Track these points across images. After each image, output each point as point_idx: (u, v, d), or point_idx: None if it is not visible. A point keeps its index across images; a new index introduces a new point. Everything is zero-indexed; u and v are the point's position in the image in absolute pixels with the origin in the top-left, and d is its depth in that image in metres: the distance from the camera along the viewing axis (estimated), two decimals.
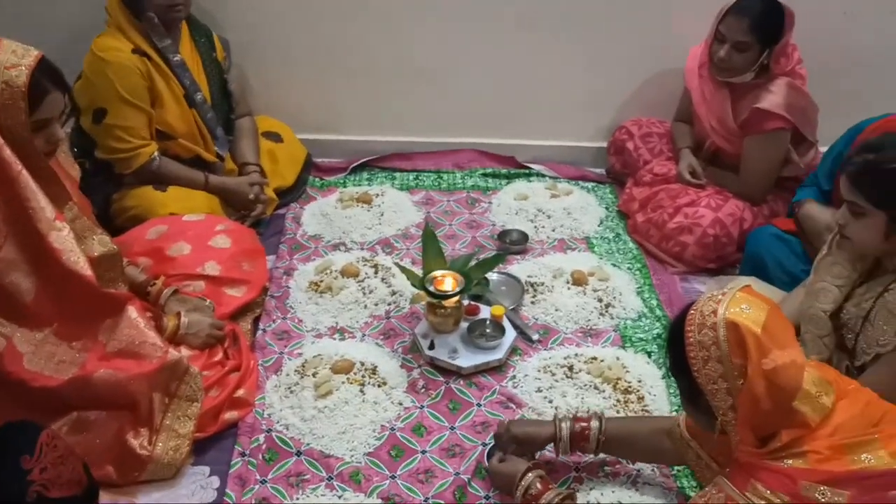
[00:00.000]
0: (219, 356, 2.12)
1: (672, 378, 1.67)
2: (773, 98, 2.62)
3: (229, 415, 2.04)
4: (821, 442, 1.36)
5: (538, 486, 1.70)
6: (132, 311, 1.87)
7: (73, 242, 1.75)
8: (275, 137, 3.06)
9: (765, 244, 2.46)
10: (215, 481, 1.91)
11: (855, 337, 1.84)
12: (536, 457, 1.90)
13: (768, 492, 1.34)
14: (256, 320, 2.41)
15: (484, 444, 2.01)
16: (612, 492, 1.86)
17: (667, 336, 1.52)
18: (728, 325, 1.37)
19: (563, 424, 1.84)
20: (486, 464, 1.93)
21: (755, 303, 1.41)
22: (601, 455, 1.92)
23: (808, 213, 2.35)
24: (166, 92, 2.56)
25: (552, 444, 1.87)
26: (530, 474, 1.72)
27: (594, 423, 1.83)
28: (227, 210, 2.74)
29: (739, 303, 1.40)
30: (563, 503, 1.67)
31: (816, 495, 1.31)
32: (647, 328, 2.42)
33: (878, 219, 1.70)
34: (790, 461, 1.36)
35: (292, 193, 3.05)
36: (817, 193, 2.42)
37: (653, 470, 1.93)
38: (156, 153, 2.57)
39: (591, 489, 1.88)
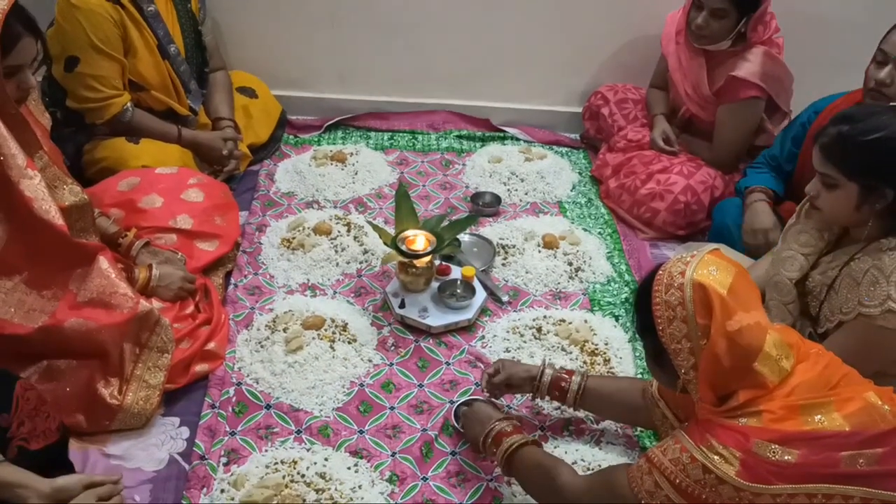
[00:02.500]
0: (190, 309, 2.13)
1: (638, 340, 1.70)
2: (749, 66, 2.64)
3: (200, 367, 2.05)
4: (776, 402, 1.39)
5: (507, 429, 1.73)
6: (103, 262, 1.86)
7: (44, 191, 1.73)
8: (249, 93, 3.03)
9: (731, 215, 2.50)
10: (185, 432, 1.93)
11: (819, 304, 1.87)
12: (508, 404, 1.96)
13: (721, 446, 1.37)
14: (228, 275, 2.42)
15: (451, 402, 2.05)
16: (576, 450, 1.91)
17: (635, 295, 1.54)
18: (695, 286, 1.39)
19: (547, 370, 1.90)
20: (454, 421, 1.96)
21: (723, 266, 1.43)
22: (572, 413, 1.99)
23: (755, 210, 2.40)
24: (139, 41, 2.51)
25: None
26: (503, 421, 1.76)
27: (575, 378, 1.88)
28: (200, 165, 2.72)
29: (707, 265, 1.42)
30: (527, 445, 1.70)
31: (768, 453, 1.35)
32: (615, 292, 2.46)
33: (850, 190, 1.72)
34: (745, 419, 1.39)
35: (266, 150, 3.03)
36: (770, 179, 2.46)
37: (616, 429, 1.98)
38: (129, 104, 2.53)
39: (555, 447, 1.92)
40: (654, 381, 1.79)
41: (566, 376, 1.89)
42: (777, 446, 1.35)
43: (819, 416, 1.38)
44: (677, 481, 1.40)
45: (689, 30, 2.71)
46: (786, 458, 1.35)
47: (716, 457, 1.37)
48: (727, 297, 1.38)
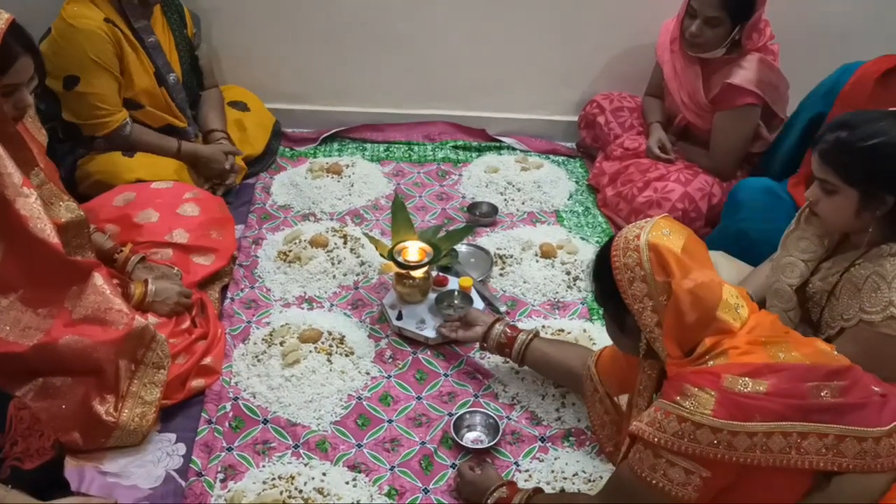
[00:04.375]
0: (186, 324, 2.12)
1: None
2: (745, 74, 2.64)
3: (196, 382, 2.04)
4: (739, 338, 1.44)
5: (506, 491, 1.72)
6: (98, 278, 1.86)
7: (40, 209, 1.73)
8: (241, 107, 3.03)
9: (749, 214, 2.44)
10: (181, 448, 1.92)
11: (820, 311, 1.86)
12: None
13: (696, 388, 1.37)
14: (224, 289, 2.41)
15: (450, 415, 2.03)
16: (577, 461, 1.90)
17: (593, 264, 1.59)
18: (650, 247, 1.45)
19: (498, 326, 2.06)
20: (453, 434, 1.95)
21: (675, 228, 1.50)
22: (573, 423, 1.99)
23: None
24: (136, 65, 2.52)
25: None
26: (498, 489, 1.74)
27: (521, 337, 2.02)
28: (196, 179, 2.71)
29: (660, 227, 1.49)
30: (531, 500, 1.69)
31: (739, 387, 1.36)
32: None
33: (850, 196, 1.71)
34: (712, 361, 1.42)
35: (262, 162, 3.03)
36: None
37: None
38: (127, 119, 2.54)
39: (556, 458, 1.92)
40: (593, 356, 1.87)
41: (513, 335, 2.03)
42: (748, 378, 1.37)
43: (781, 353, 1.42)
44: (655, 440, 1.38)
45: (683, 38, 2.71)
46: (758, 388, 1.36)
47: (687, 403, 1.37)
48: (682, 256, 1.45)
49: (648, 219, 1.53)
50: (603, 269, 1.52)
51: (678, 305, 1.42)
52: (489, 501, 1.73)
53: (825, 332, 1.85)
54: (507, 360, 2.09)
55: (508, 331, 2.05)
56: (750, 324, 1.47)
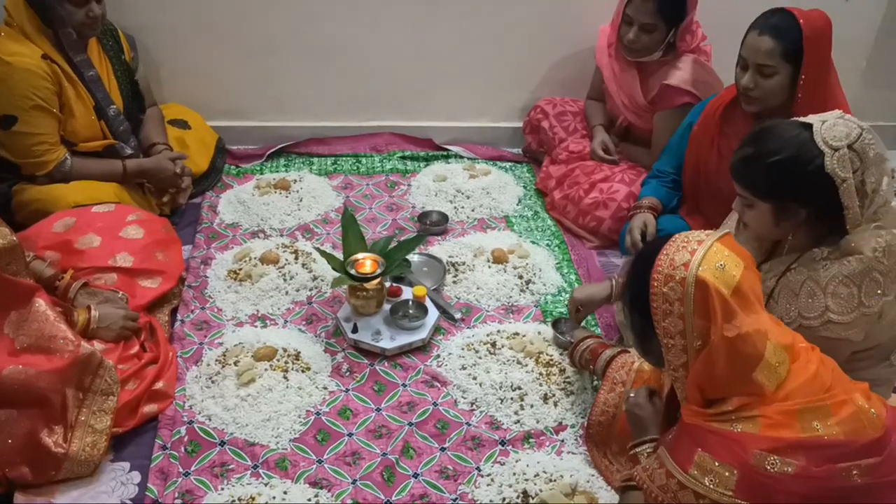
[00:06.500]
0: (135, 349, 2.07)
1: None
2: (680, 74, 2.70)
3: (148, 408, 1.99)
4: (772, 407, 1.33)
5: (644, 454, 1.61)
6: (41, 305, 1.81)
7: None
8: (181, 125, 2.97)
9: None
10: (136, 476, 1.87)
11: None
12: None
13: (717, 463, 1.30)
14: (174, 311, 2.36)
15: (410, 424, 2.02)
16: (538, 462, 1.91)
17: (629, 267, 1.45)
18: (698, 284, 1.30)
19: (588, 340, 2.06)
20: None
21: (732, 259, 1.34)
22: (532, 425, 2.01)
23: (634, 223, 2.52)
24: (75, 100, 2.45)
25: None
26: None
27: (607, 352, 1.98)
28: (141, 200, 2.65)
29: (715, 259, 1.33)
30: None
31: (766, 465, 1.29)
32: (566, 302, 2.46)
33: (765, 209, 1.73)
34: (740, 426, 1.33)
35: (207, 180, 2.98)
36: (656, 187, 2.59)
37: (576, 440, 1.98)
38: (66, 155, 2.47)
39: (517, 461, 1.92)
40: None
41: (600, 348, 2.00)
42: (776, 457, 1.30)
43: (816, 423, 1.33)
44: None
45: (621, 44, 2.76)
46: (785, 469, 1.29)
47: (706, 480, 1.31)
48: (731, 300, 1.30)
49: (705, 238, 1.35)
50: (639, 280, 1.38)
51: (712, 356, 1.31)
52: (638, 449, 1.62)
53: None
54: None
55: (597, 347, 1.99)
56: (788, 385, 1.35)
